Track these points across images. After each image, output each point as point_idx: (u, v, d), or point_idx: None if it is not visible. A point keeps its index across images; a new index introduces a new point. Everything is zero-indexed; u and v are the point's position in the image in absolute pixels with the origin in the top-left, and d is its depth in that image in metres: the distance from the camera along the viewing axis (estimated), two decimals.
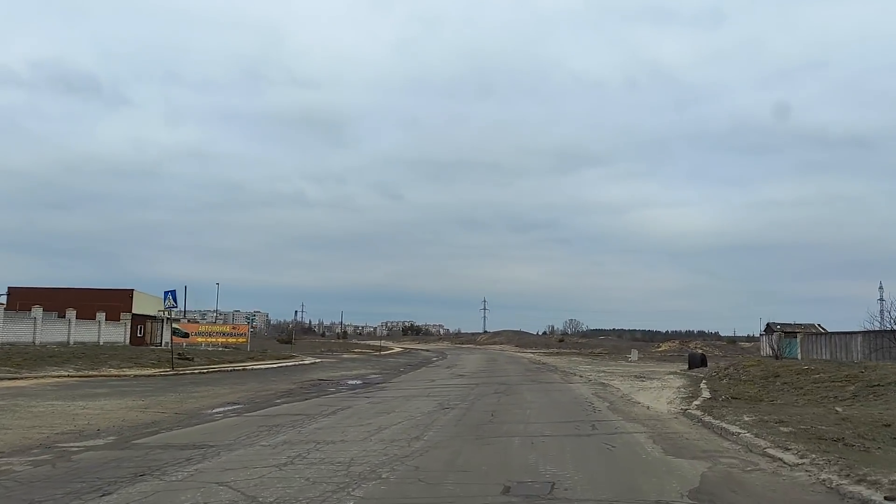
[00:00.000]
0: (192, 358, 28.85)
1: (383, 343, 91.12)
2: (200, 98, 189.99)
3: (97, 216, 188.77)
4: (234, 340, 39.70)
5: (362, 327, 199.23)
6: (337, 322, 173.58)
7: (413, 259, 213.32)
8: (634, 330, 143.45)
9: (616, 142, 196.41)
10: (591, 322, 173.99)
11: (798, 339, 33.17)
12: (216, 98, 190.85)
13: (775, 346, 31.33)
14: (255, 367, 28.94)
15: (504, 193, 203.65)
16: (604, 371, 30.04)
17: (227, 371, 26.34)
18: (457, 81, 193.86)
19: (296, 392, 17.84)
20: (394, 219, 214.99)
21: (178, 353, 26.73)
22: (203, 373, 24.94)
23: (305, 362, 34.01)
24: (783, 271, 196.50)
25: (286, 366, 30.74)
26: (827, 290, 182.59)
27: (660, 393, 17.28)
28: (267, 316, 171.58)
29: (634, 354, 49.78)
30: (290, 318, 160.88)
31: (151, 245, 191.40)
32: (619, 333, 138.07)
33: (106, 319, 37.03)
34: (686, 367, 30.11)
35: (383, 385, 21.44)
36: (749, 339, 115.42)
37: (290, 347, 61.01)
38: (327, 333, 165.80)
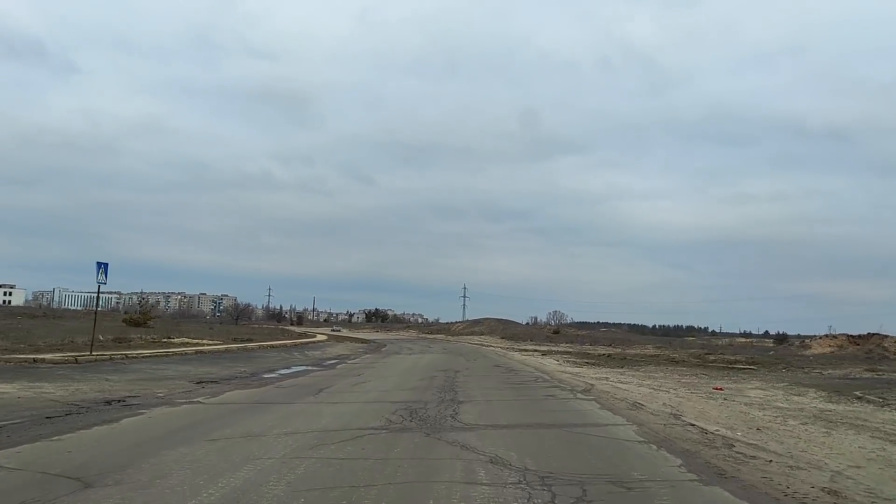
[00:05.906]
0: None
1: (306, 331, 65.95)
2: (154, 68, 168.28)
3: (58, 193, 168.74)
4: None
5: (336, 314, 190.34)
6: (310, 308, 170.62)
7: (389, 247, 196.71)
8: (620, 323, 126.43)
9: (590, 127, 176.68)
10: (573, 314, 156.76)
11: None
12: (171, 69, 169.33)
13: None
14: None
15: (477, 180, 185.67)
16: None
17: None
18: (422, 58, 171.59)
19: None
20: (368, 204, 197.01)
21: None
22: None
23: None
24: (762, 268, 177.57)
25: None
26: (807, 289, 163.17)
27: None
28: (235, 299, 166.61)
29: None
30: (262, 304, 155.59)
31: (119, 224, 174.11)
32: (605, 326, 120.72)
33: None
34: None
35: None
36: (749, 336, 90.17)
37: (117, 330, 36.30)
38: (287, 317, 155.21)
